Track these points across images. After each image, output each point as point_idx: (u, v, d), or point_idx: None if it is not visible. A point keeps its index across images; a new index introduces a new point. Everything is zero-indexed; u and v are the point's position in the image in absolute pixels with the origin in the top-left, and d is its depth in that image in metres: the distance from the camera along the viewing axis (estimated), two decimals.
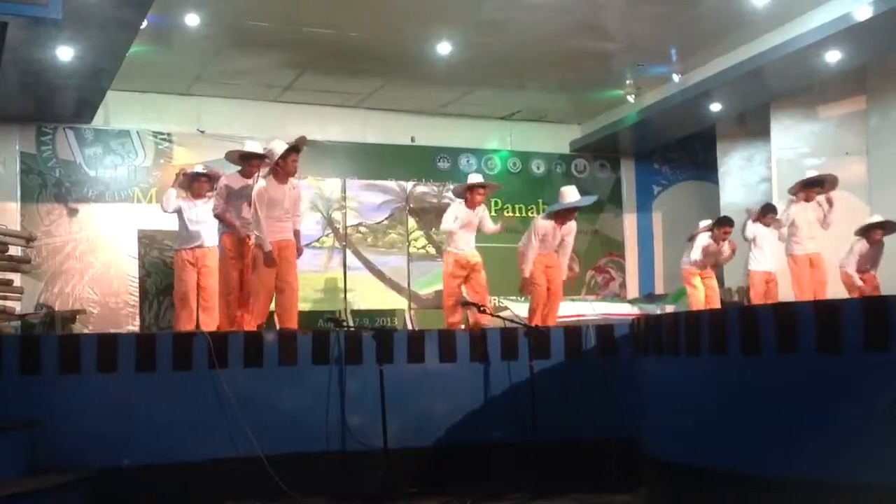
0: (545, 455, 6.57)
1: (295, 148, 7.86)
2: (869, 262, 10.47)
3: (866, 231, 10.42)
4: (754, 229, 10.68)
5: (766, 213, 10.71)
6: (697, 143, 15.27)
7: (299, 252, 8.00)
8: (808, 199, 10.30)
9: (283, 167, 7.78)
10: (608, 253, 15.21)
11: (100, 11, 8.30)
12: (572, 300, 12.34)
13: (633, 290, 15.02)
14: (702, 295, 10.83)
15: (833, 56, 10.76)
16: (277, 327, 7.83)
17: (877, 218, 10.51)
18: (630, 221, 15.46)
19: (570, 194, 9.14)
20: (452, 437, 6.98)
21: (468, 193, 9.19)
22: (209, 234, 8.80)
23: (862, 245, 10.42)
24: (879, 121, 12.26)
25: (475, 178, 9.32)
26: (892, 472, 4.40)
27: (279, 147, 7.80)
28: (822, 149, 12.73)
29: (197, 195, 8.96)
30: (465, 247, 9.04)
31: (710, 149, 14.68)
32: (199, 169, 9.15)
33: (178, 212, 8.92)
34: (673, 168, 15.77)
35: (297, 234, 7.99)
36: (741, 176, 14.26)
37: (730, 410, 5.32)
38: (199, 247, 8.85)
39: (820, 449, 4.72)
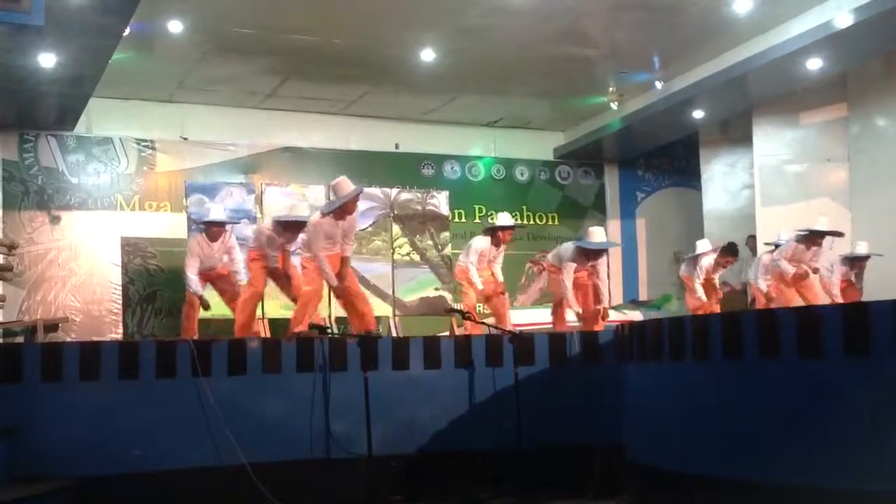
0: (529, 461, 6.56)
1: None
2: (853, 278, 10.78)
3: (851, 260, 10.70)
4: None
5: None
6: (680, 150, 15.35)
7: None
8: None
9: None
10: None
11: (82, 18, 8.27)
12: None
13: (617, 296, 15.06)
14: (702, 296, 10.96)
15: (814, 63, 10.84)
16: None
17: (862, 250, 10.70)
18: (614, 228, 15.49)
19: (598, 235, 9.29)
20: (437, 444, 6.97)
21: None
22: None
23: (845, 268, 10.70)
24: (860, 128, 12.34)
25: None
26: (872, 478, 4.42)
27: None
28: (803, 155, 12.82)
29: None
30: None
31: (692, 155, 14.75)
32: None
33: None
34: (656, 175, 15.84)
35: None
36: (724, 182, 14.33)
37: (712, 416, 5.34)
38: None
39: (801, 454, 4.74)
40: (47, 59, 9.38)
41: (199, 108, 12.97)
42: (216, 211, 9.32)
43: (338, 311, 11.38)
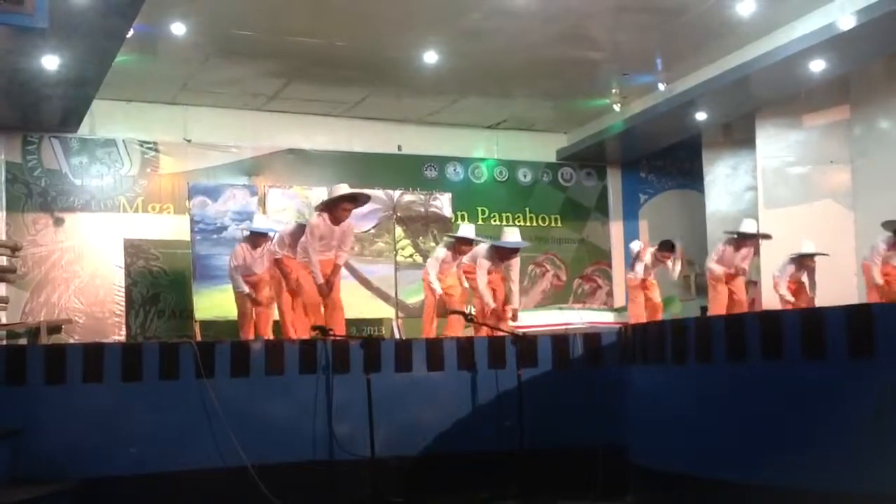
0: (532, 463, 6.56)
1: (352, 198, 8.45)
2: (805, 279, 10.89)
3: (800, 258, 10.79)
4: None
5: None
6: (683, 152, 15.33)
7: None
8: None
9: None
10: (595, 261, 15.25)
11: (86, 20, 8.28)
12: (560, 308, 12.36)
13: (619, 298, 15.05)
14: (642, 308, 11.04)
15: (817, 65, 10.83)
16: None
17: (809, 248, 10.80)
18: (616, 230, 15.50)
19: (512, 235, 9.35)
20: (440, 446, 6.97)
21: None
22: None
23: (792, 267, 10.82)
24: (863, 130, 12.33)
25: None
26: (876, 480, 4.42)
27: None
28: (806, 157, 12.80)
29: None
30: None
31: (695, 157, 14.74)
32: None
33: None
34: (659, 177, 15.83)
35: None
36: (727, 185, 14.32)
37: (715, 418, 5.34)
38: None
39: (805, 456, 4.74)
40: (51, 61, 9.39)
41: (203, 110, 12.98)
42: (260, 221, 9.67)
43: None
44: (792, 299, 10.64)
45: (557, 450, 6.88)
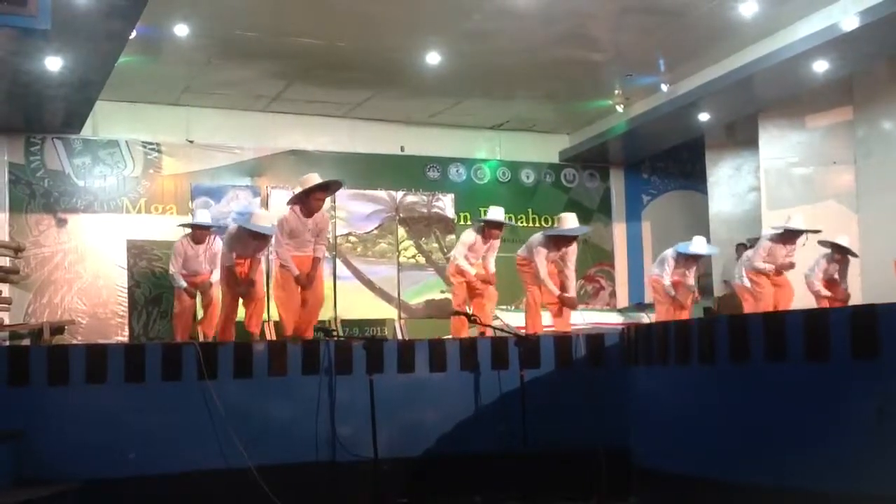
0: (535, 464, 6.55)
1: (323, 186, 8.03)
2: (837, 275, 10.57)
3: (832, 248, 10.48)
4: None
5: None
6: (686, 153, 15.33)
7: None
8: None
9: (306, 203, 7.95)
10: (598, 262, 15.24)
11: (89, 22, 8.29)
12: None
13: (622, 299, 15.05)
14: (671, 291, 10.75)
15: (820, 66, 10.82)
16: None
17: (843, 241, 10.49)
18: (619, 231, 15.50)
19: (569, 221, 9.12)
20: (443, 447, 6.96)
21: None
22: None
23: (825, 263, 10.51)
24: (866, 131, 12.32)
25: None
26: (879, 481, 4.41)
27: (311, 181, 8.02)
28: (809, 158, 12.80)
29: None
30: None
31: (698, 158, 14.74)
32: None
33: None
34: (662, 178, 15.83)
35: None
36: (730, 185, 14.32)
37: (718, 419, 5.33)
38: None
39: (808, 457, 4.73)
40: (54, 63, 9.40)
41: (205, 111, 13.01)
42: (202, 215, 9.51)
43: (344, 313, 11.45)
44: (829, 293, 10.36)
45: (560, 451, 6.86)
